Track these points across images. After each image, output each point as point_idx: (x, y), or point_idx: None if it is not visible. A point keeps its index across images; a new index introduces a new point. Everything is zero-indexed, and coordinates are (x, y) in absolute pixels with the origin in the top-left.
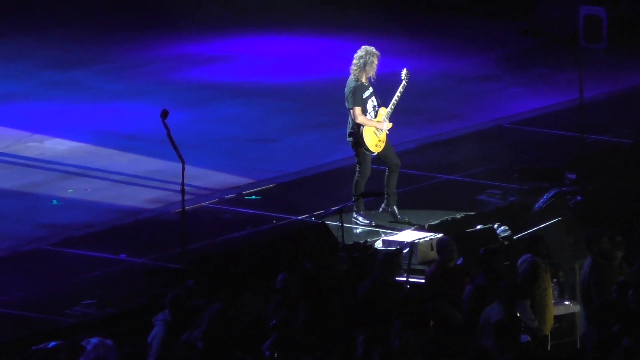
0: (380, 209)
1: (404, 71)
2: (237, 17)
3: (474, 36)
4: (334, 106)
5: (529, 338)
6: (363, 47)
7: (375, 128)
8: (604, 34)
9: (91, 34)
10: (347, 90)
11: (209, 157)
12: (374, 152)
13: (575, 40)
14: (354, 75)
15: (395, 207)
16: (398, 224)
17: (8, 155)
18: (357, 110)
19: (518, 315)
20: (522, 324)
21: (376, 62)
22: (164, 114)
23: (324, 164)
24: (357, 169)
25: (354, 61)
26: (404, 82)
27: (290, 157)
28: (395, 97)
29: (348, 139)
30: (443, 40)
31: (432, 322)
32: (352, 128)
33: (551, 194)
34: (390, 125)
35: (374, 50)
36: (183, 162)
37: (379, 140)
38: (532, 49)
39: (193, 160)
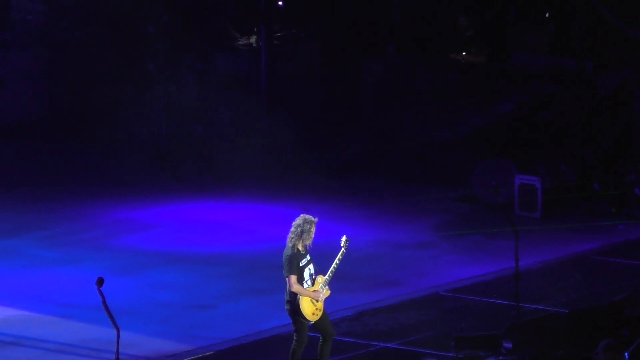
0: None
1: (344, 238)
2: (172, 184)
3: (410, 203)
4: (271, 272)
5: None
6: (301, 215)
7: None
8: (539, 203)
9: (26, 203)
10: (284, 258)
11: (145, 324)
12: (310, 321)
13: (511, 208)
14: (291, 243)
15: None
16: None
17: None
18: (293, 279)
19: None
20: None
21: (313, 230)
22: (100, 282)
23: (261, 331)
24: (295, 337)
25: (292, 229)
26: (343, 249)
27: (227, 323)
28: (334, 265)
29: (286, 307)
30: (379, 207)
31: None
32: (289, 296)
33: None
34: (328, 293)
35: (312, 218)
36: (118, 331)
37: (316, 309)
38: (468, 216)
39: (129, 327)
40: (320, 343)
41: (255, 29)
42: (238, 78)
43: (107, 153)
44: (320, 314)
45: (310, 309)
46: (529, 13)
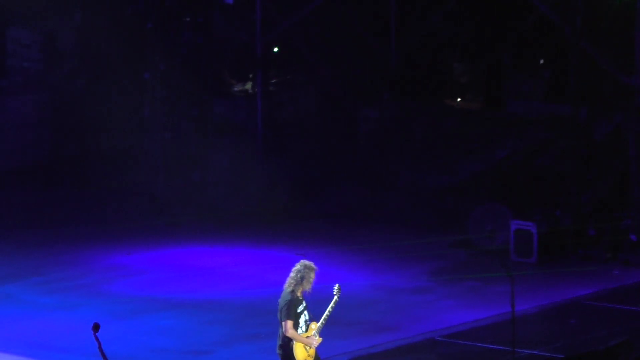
0: None
1: (336, 286)
2: (168, 230)
3: (405, 248)
4: (267, 317)
5: None
6: (301, 261)
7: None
8: (535, 249)
9: (22, 248)
10: (281, 302)
11: None
12: None
13: (507, 253)
14: (290, 288)
15: None
16: None
17: None
18: (289, 324)
19: None
20: None
21: (313, 276)
22: (96, 328)
23: None
24: None
25: (292, 274)
26: (335, 297)
27: None
28: (327, 313)
29: (277, 351)
30: (375, 252)
31: None
32: (282, 341)
33: None
34: (320, 340)
35: (312, 265)
36: None
37: (308, 355)
38: (463, 261)
39: None
40: None
41: (250, 75)
42: (234, 124)
43: (104, 199)
44: None
45: (303, 355)
46: (524, 60)
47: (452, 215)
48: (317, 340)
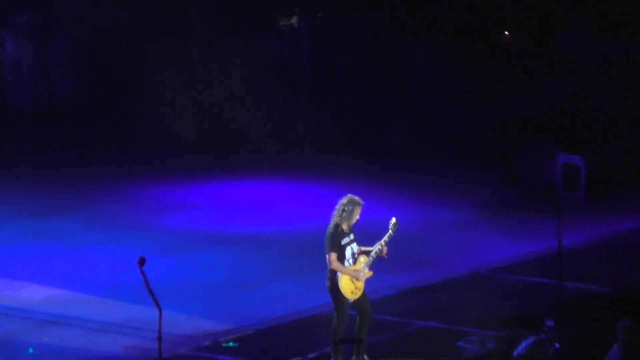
0: None
1: (393, 221)
2: (213, 166)
3: (452, 184)
4: (313, 252)
5: None
6: (348, 195)
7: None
8: (582, 182)
9: (68, 184)
10: (325, 235)
11: (187, 304)
12: (350, 299)
13: (554, 188)
14: (334, 221)
15: (366, 356)
16: None
17: None
18: (332, 256)
19: None
20: None
21: (357, 211)
22: (141, 262)
23: (302, 311)
24: (335, 315)
25: (337, 207)
26: (390, 231)
27: (268, 303)
28: (378, 246)
29: (326, 283)
30: (422, 187)
31: None
32: (329, 274)
33: (530, 341)
34: (369, 274)
35: (358, 199)
36: (160, 310)
37: (356, 288)
38: (510, 196)
39: (172, 307)
40: (357, 323)
41: (297, 9)
42: (281, 61)
43: (148, 137)
44: (359, 293)
45: (349, 287)
46: None
47: (499, 151)
48: (364, 274)
